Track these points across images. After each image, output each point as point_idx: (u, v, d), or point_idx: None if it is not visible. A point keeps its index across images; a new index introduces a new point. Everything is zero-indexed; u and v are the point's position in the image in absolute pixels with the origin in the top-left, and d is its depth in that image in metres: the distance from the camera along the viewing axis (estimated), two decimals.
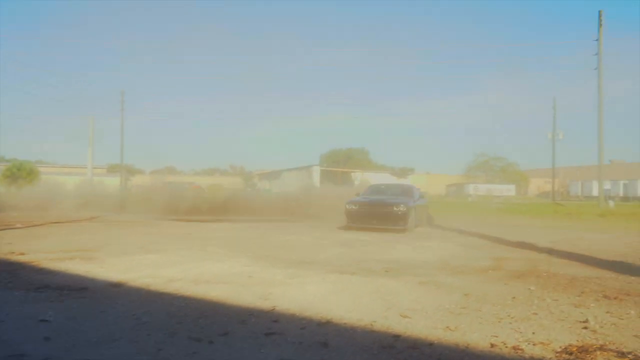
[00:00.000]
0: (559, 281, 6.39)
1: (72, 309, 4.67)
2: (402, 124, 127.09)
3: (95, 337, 3.82)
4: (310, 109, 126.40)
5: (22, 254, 8.03)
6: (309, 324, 4.21)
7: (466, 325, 4.25)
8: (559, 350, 3.65)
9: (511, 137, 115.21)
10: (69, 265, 7.05)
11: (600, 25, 28.67)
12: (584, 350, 3.64)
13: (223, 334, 3.92)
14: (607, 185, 47.62)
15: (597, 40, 28.82)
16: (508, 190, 61.14)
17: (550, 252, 9.45)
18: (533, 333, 4.05)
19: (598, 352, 3.60)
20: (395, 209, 13.16)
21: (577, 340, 3.86)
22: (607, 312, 4.76)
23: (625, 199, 49.35)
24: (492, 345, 3.73)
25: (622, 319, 4.52)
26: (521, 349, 3.65)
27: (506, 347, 3.70)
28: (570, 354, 3.57)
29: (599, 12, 28.75)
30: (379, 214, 13.31)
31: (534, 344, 3.76)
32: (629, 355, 3.55)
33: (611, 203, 30.97)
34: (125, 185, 54.92)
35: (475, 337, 3.92)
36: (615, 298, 5.38)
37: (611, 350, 3.67)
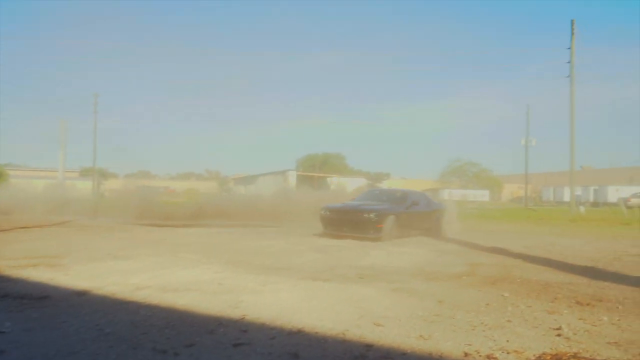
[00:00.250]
0: (532, 287, 6.39)
1: (31, 319, 4.46)
2: (379, 129, 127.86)
3: (54, 350, 3.63)
4: (286, 113, 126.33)
5: None
6: (279, 334, 4.08)
7: (440, 333, 4.18)
8: (533, 358, 3.61)
9: (485, 143, 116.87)
10: (32, 272, 6.78)
11: (572, 34, 29.21)
12: (557, 358, 3.60)
13: (189, 344, 3.77)
14: (578, 191, 48.49)
15: (569, 48, 29.35)
16: (482, 195, 61.92)
17: (523, 257, 9.48)
18: (507, 341, 3.99)
19: None
20: (366, 216, 12.28)
21: (551, 349, 3.82)
22: (580, 319, 4.75)
23: (595, 204, 50.32)
24: (466, 355, 3.66)
25: (595, 326, 4.50)
26: (495, 358, 3.59)
27: (480, 355, 3.64)
28: None
29: (572, 21, 29.33)
30: (350, 221, 12.61)
31: (507, 353, 3.71)
32: None
33: (582, 208, 31.49)
34: (98, 189, 53.99)
35: (449, 346, 3.85)
36: (587, 304, 5.38)
37: (585, 358, 3.63)
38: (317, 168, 64.08)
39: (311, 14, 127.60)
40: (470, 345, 3.87)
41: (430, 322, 4.55)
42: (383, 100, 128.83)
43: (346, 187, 35.72)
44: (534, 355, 3.67)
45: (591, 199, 53.81)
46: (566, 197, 43.49)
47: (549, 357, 3.62)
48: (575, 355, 3.67)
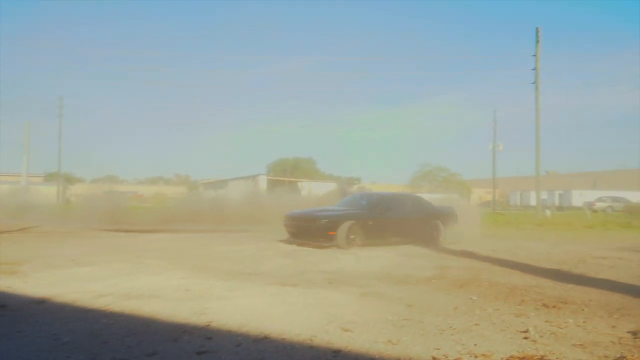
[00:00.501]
0: (500, 290, 6.43)
1: None
2: (349, 133, 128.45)
3: None
4: (257, 118, 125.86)
5: None
6: (245, 341, 3.98)
7: (408, 338, 4.14)
8: None
9: (455, 148, 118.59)
10: None
11: (537, 41, 29.85)
12: None
13: (151, 354, 3.64)
14: (544, 195, 49.49)
15: (534, 55, 29.98)
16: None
17: (491, 260, 9.57)
18: (475, 345, 3.98)
19: None
20: (318, 223, 11.49)
21: (518, 352, 3.82)
22: (547, 321, 4.78)
23: (561, 208, 51.41)
24: (434, 359, 3.62)
25: (561, 328, 4.53)
26: None
27: None
28: None
29: (536, 29, 29.96)
30: (305, 228, 11.87)
31: (475, 356, 3.69)
32: None
33: (548, 212, 32.12)
34: (63, 194, 52.72)
35: (417, 350, 3.81)
36: (554, 307, 5.43)
37: None
38: (288, 173, 63.92)
39: (280, 19, 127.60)
40: (438, 349, 3.84)
41: (399, 326, 4.51)
42: (353, 105, 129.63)
43: (316, 192, 35.60)
44: (502, 358, 3.66)
45: (557, 203, 54.95)
46: (533, 202, 44.31)
47: None
48: (542, 358, 3.67)
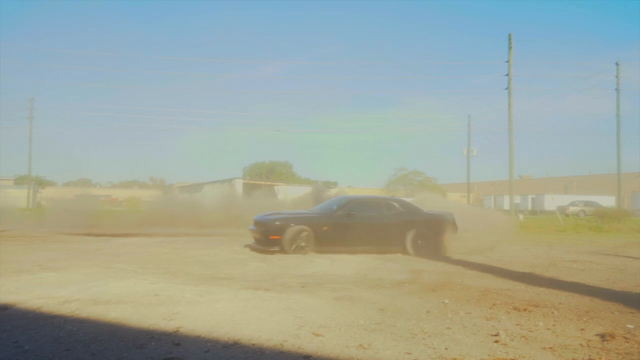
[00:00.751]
0: (472, 294, 6.45)
1: None
2: (325, 138, 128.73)
3: None
4: (233, 121, 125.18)
5: None
6: (214, 347, 3.90)
7: (380, 342, 4.11)
8: None
9: (430, 153, 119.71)
10: None
11: (510, 48, 30.30)
12: None
13: None
14: (517, 200, 50.33)
15: (507, 61, 30.43)
16: None
17: (464, 264, 9.63)
18: (446, 348, 3.97)
19: None
20: (264, 226, 11.05)
21: (489, 355, 3.82)
22: (517, 325, 4.80)
23: (533, 212, 52.21)
24: None
25: (532, 332, 4.56)
26: None
27: None
28: None
29: (509, 35, 30.41)
30: (258, 232, 11.33)
31: None
32: None
33: (521, 216, 32.58)
34: (34, 198, 51.61)
35: (389, 355, 3.78)
36: (524, 310, 5.47)
37: None
38: (264, 176, 63.67)
39: (257, 23, 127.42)
40: (409, 353, 3.82)
41: (371, 330, 4.48)
42: (329, 109, 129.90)
43: (292, 196, 35.44)
44: None
45: (529, 207, 55.81)
46: (506, 206, 44.89)
47: None
48: None
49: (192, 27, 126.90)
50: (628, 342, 4.26)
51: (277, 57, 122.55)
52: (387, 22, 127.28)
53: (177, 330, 4.35)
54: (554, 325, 4.83)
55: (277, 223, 10.97)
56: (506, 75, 30.35)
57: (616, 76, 35.57)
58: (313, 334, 4.31)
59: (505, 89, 30.41)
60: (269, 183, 50.07)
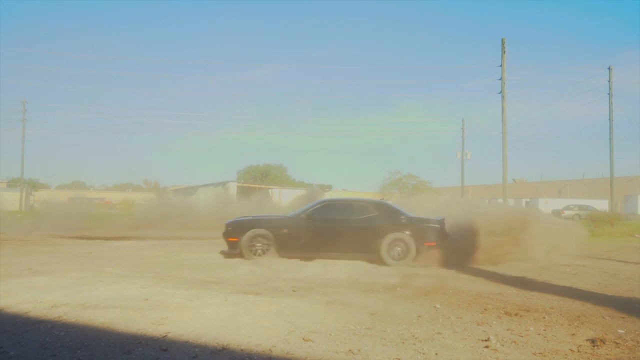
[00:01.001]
0: (464, 298, 6.43)
1: None
2: (320, 141, 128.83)
3: None
4: (227, 124, 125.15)
5: None
6: (202, 352, 3.86)
7: (370, 347, 4.08)
8: None
9: (425, 156, 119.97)
10: None
11: (503, 52, 30.40)
12: None
13: None
14: (511, 203, 50.37)
15: (500, 66, 30.53)
16: None
17: (457, 268, 9.60)
18: (436, 354, 3.94)
19: None
20: (225, 230, 10.75)
21: None
22: (508, 329, 4.78)
23: None
24: None
25: (522, 337, 4.54)
26: None
27: None
28: None
29: (502, 40, 30.52)
30: (223, 236, 10.88)
31: None
32: None
33: None
34: (27, 200, 51.34)
35: None
36: (516, 314, 5.45)
37: None
38: (258, 179, 63.59)
39: (250, 27, 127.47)
40: (399, 359, 3.80)
41: (361, 335, 4.45)
42: (324, 112, 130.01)
43: (289, 199, 35.42)
44: None
45: None
46: None
47: None
48: None
49: (185, 31, 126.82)
50: (618, 348, 4.25)
51: (270, 61, 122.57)
52: (381, 26, 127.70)
53: (166, 336, 4.31)
54: (544, 330, 4.82)
55: (236, 226, 10.67)
56: (500, 79, 30.45)
57: (609, 81, 35.68)
58: (303, 339, 4.28)
59: (499, 93, 30.51)
60: (263, 186, 50.03)
